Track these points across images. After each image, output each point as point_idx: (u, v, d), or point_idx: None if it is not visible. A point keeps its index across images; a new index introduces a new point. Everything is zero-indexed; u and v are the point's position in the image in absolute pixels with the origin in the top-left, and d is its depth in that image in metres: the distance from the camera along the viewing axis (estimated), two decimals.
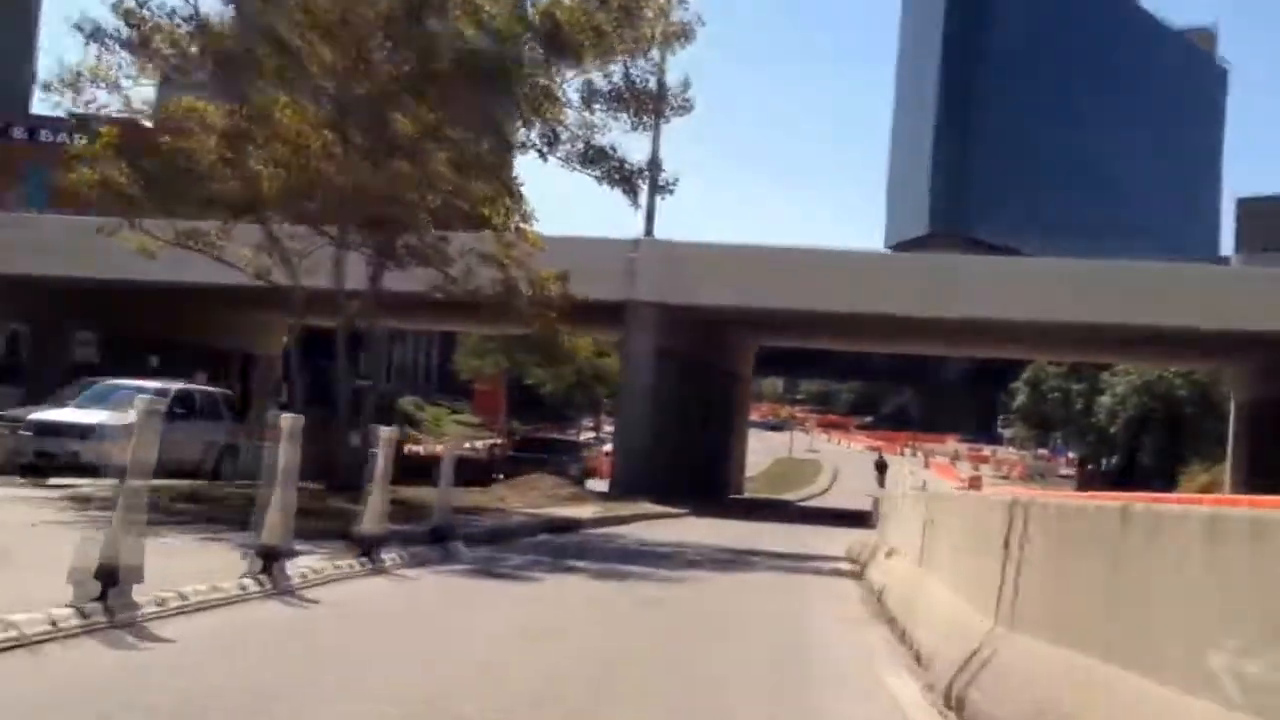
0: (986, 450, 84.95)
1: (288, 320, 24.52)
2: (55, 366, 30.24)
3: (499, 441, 47.22)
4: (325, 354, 20.19)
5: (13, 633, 5.11)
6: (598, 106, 19.71)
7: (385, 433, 9.76)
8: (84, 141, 17.97)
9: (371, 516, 9.52)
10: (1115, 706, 3.30)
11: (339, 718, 4.56)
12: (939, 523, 7.28)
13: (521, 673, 5.73)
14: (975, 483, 54.66)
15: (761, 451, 60.31)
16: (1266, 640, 2.65)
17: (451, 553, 11.22)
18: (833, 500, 44.58)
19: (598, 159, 19.41)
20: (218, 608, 6.67)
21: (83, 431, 17.37)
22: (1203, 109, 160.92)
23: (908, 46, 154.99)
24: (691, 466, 32.20)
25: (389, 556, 9.84)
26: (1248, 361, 35.41)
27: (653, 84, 19.61)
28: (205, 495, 15.17)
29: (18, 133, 55.81)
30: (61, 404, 19.45)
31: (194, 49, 17.20)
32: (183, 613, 6.40)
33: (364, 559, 9.38)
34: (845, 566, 13.35)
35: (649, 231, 33.11)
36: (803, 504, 41.99)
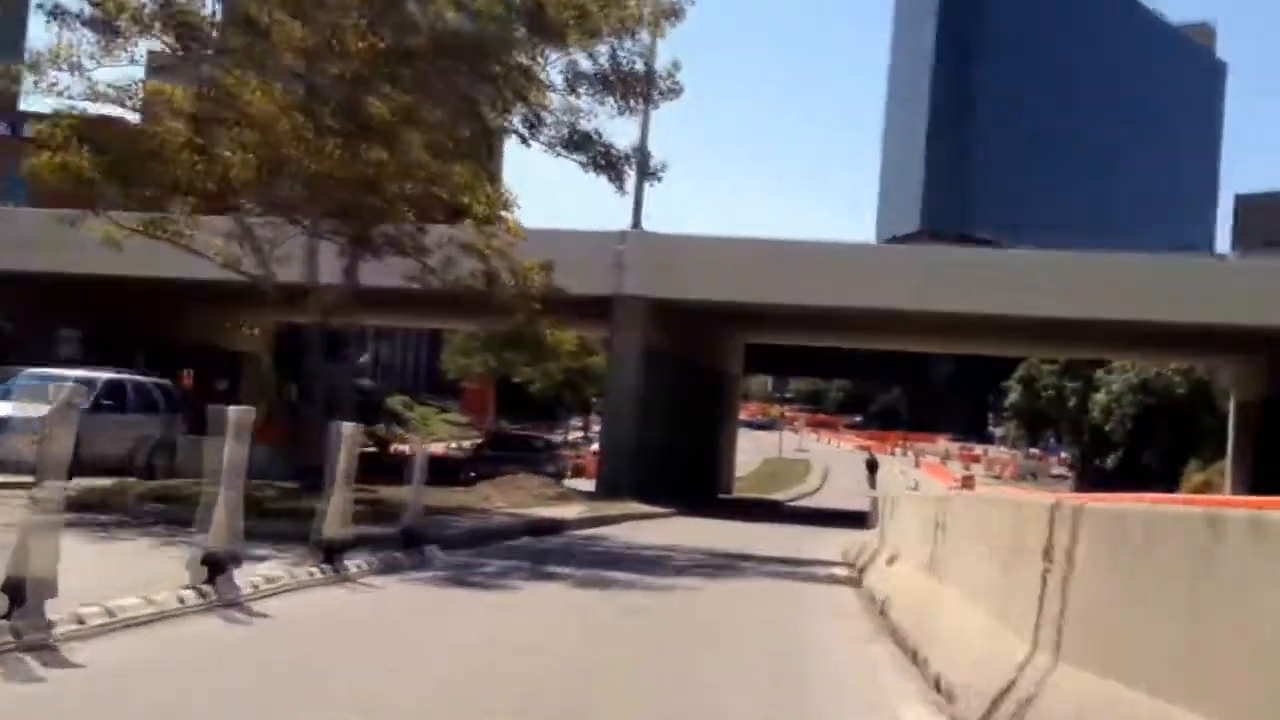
0: (978, 449, 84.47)
1: (268, 316, 23.80)
2: (42, 364, 29.34)
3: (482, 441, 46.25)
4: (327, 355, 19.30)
5: None
6: (583, 90, 19.00)
7: (347, 429, 9.01)
8: (41, 127, 17.16)
9: (333, 520, 8.77)
10: None
11: None
12: (954, 527, 6.58)
13: (489, 697, 5.01)
14: (968, 482, 54.05)
15: (751, 451, 59.63)
16: None
17: (424, 558, 10.48)
18: (823, 500, 43.94)
19: (582, 144, 18.68)
20: (149, 624, 5.93)
21: None
22: (1200, 105, 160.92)
23: (901, 42, 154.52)
24: (680, 465, 31.50)
25: (354, 563, 9.10)
26: (1250, 358, 34.87)
27: (640, 66, 18.91)
28: (175, 495, 14.38)
29: (0, 128, 54.88)
30: None
31: (158, 27, 16.38)
32: (107, 631, 5.66)
33: (326, 566, 8.64)
34: (841, 572, 12.65)
35: (637, 223, 32.42)
36: (793, 504, 41.33)
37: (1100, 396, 58.96)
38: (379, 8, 17.06)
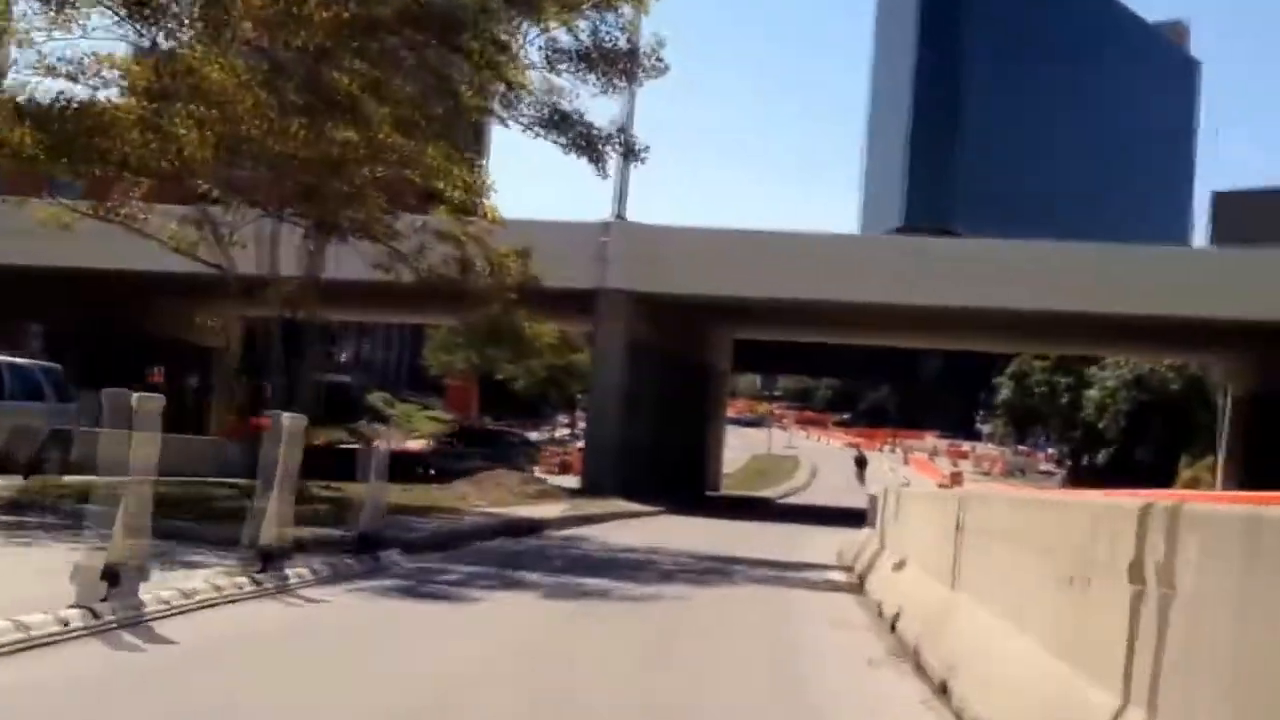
0: (965, 446, 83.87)
1: (230, 308, 22.70)
2: None
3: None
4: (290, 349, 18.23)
5: None
6: (563, 68, 18.01)
7: (289, 422, 7.98)
8: None
9: (271, 524, 7.75)
10: None
11: None
12: (981, 530, 5.61)
13: None
14: (957, 479, 53.32)
15: (739, 448, 58.70)
16: None
17: (380, 564, 9.47)
18: (813, 497, 43.02)
19: (562, 125, 17.68)
20: (12, 655, 4.89)
21: None
22: (1175, 103, 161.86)
23: (883, 42, 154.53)
24: (667, 463, 30.55)
25: (297, 571, 8.09)
26: (1244, 353, 34.16)
27: (623, 43, 17.91)
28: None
29: None
30: None
31: None
32: None
33: (262, 575, 7.62)
34: (839, 577, 11.67)
35: (621, 214, 31.43)
36: (783, 501, 40.42)
37: (1094, 393, 58.25)
38: None
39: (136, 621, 5.74)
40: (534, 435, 64.39)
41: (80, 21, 16.43)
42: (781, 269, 28.30)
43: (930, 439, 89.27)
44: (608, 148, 18.11)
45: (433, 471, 27.61)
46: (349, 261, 18.16)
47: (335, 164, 16.48)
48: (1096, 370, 59.50)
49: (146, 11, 15.83)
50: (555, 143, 18.19)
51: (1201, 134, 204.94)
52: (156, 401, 6.07)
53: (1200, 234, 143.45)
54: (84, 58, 16.48)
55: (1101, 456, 56.21)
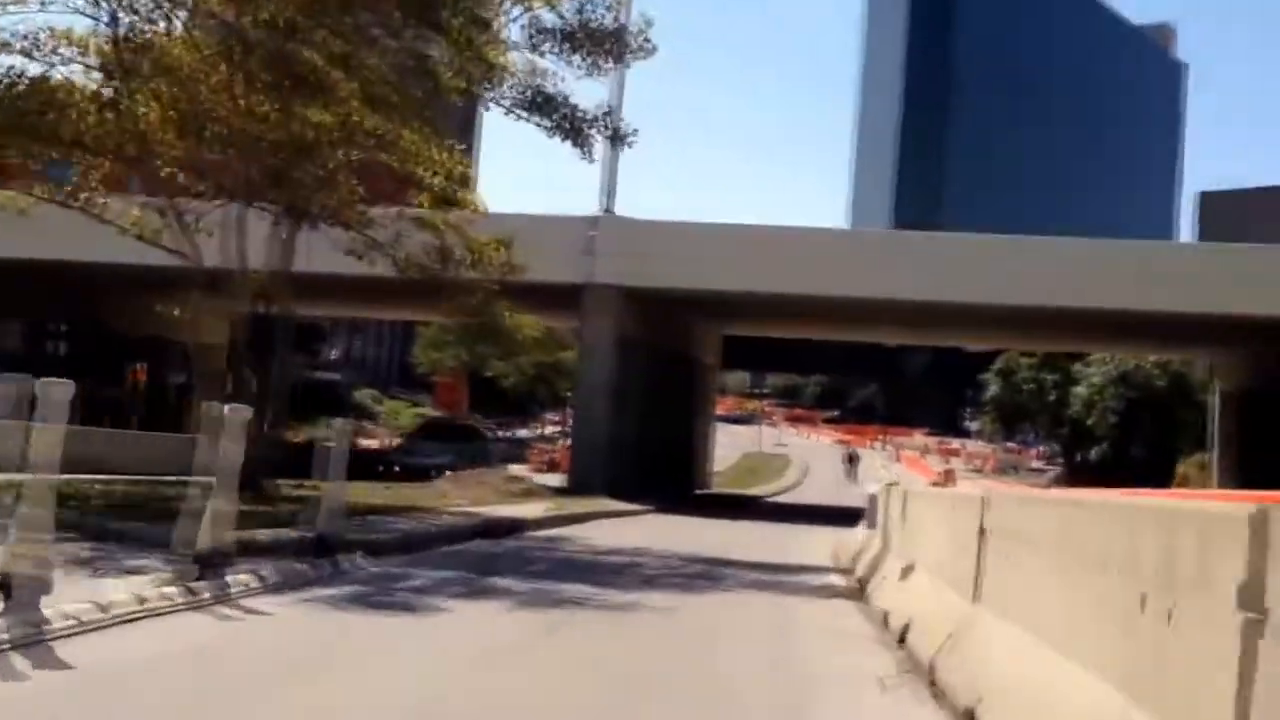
0: (955, 443, 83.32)
1: (197, 301, 21.75)
2: None
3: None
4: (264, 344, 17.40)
5: None
6: (546, 48, 17.26)
7: (232, 415, 7.20)
8: None
9: (208, 526, 6.97)
10: None
11: None
12: (1011, 535, 4.87)
13: None
14: (949, 476, 52.64)
15: (729, 446, 57.95)
16: None
17: (339, 569, 8.70)
18: (804, 495, 42.32)
19: (545, 106, 16.91)
20: None
21: None
22: (1161, 104, 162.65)
23: (873, 38, 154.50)
24: (655, 460, 29.81)
25: (241, 579, 7.32)
26: (1235, 349, 33.61)
27: (609, 22, 17.16)
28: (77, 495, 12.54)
29: None
30: None
31: None
32: None
33: (199, 584, 6.85)
34: (837, 581, 10.93)
35: (609, 208, 30.68)
36: (773, 499, 39.71)
37: (1080, 390, 57.65)
38: None
39: (34, 641, 4.95)
40: (524, 433, 63.63)
41: None
42: (771, 263, 27.64)
43: (919, 436, 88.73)
44: (593, 131, 17.38)
45: (396, 469, 26.57)
46: (326, 255, 17.38)
47: (307, 147, 15.72)
48: (1083, 367, 58.92)
49: None
50: (539, 125, 17.46)
51: (1188, 135, 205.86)
52: (63, 388, 5.30)
53: (1186, 235, 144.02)
54: (39, 32, 15.70)
55: (1093, 454, 55.59)
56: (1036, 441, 79.65)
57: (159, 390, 35.63)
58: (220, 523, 7.07)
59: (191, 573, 6.95)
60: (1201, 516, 2.78)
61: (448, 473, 26.69)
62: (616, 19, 17.34)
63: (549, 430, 67.70)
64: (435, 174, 16.88)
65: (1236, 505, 2.58)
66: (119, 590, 6.23)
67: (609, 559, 12.33)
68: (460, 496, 19.69)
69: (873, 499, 11.56)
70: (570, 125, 17.14)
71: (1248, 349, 32.13)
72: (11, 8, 15.60)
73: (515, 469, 32.35)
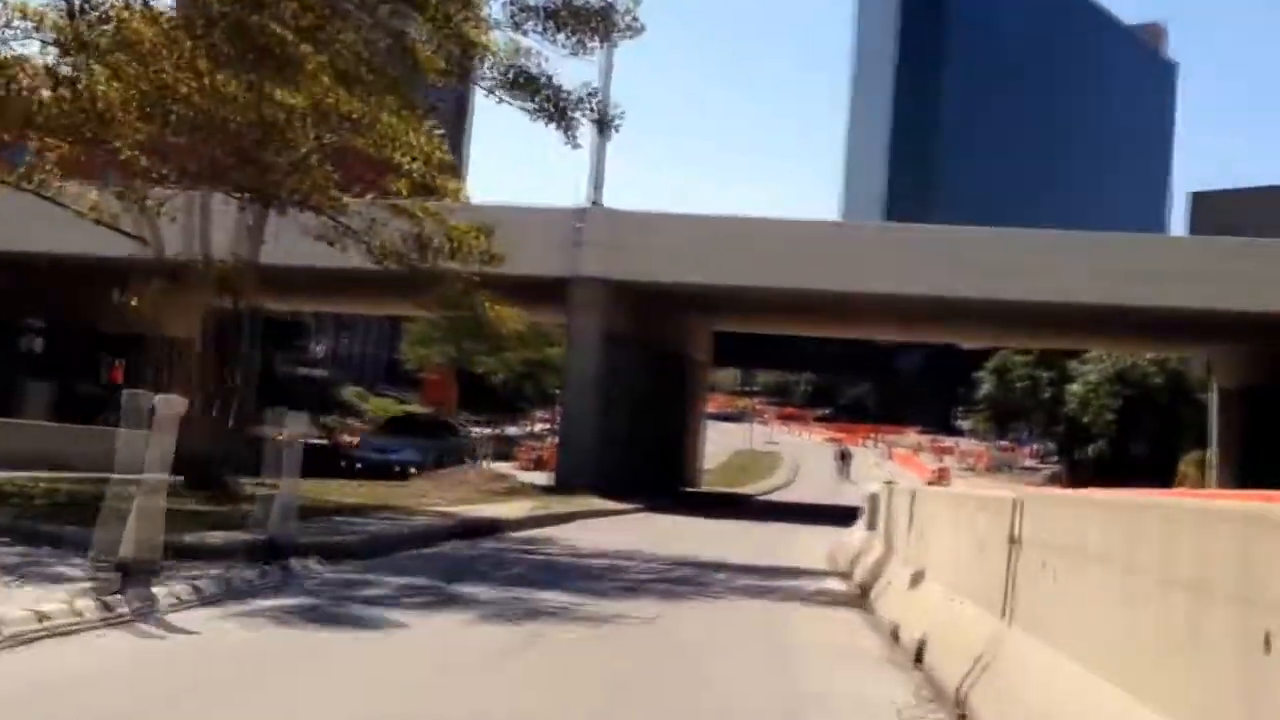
0: (949, 442, 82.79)
1: (158, 291, 20.88)
2: None
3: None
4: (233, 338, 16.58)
5: None
6: (529, 26, 16.48)
7: (162, 410, 6.41)
8: None
9: (132, 531, 6.18)
10: None
11: None
12: (1053, 547, 4.11)
13: None
14: (942, 474, 52.05)
15: (720, 443, 57.23)
16: None
17: (290, 575, 7.91)
18: (796, 494, 41.62)
19: (528, 86, 16.13)
20: None
21: None
22: (1153, 103, 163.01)
23: (864, 33, 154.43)
24: (644, 458, 29.08)
25: (172, 589, 6.53)
26: (1235, 346, 32.99)
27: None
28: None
29: None
30: None
31: None
32: None
33: (120, 596, 6.06)
34: (835, 586, 10.18)
35: (597, 200, 29.93)
36: (765, 498, 38.99)
37: (1076, 387, 57.02)
38: None
39: None
40: (513, 430, 62.86)
41: None
42: (762, 256, 26.92)
43: (912, 434, 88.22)
44: (578, 113, 16.59)
45: (359, 466, 25.52)
46: (298, 245, 16.58)
47: (277, 130, 14.91)
48: (1078, 365, 58.31)
49: None
50: (521, 107, 16.67)
51: (1179, 135, 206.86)
52: None
53: (1179, 234, 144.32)
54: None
55: (1090, 451, 54.93)
56: (1030, 440, 79.11)
57: (138, 388, 34.81)
58: (147, 526, 6.28)
59: (112, 583, 6.16)
60: None
61: (412, 470, 25.79)
62: None
63: (539, 428, 67.02)
64: (414, 159, 16.09)
65: None
66: (15, 605, 5.43)
67: (592, 562, 11.56)
68: (438, 496, 18.93)
69: (872, 499, 10.80)
70: (555, 107, 16.36)
71: (1246, 345, 31.53)
72: None
73: (500, 466, 31.54)
